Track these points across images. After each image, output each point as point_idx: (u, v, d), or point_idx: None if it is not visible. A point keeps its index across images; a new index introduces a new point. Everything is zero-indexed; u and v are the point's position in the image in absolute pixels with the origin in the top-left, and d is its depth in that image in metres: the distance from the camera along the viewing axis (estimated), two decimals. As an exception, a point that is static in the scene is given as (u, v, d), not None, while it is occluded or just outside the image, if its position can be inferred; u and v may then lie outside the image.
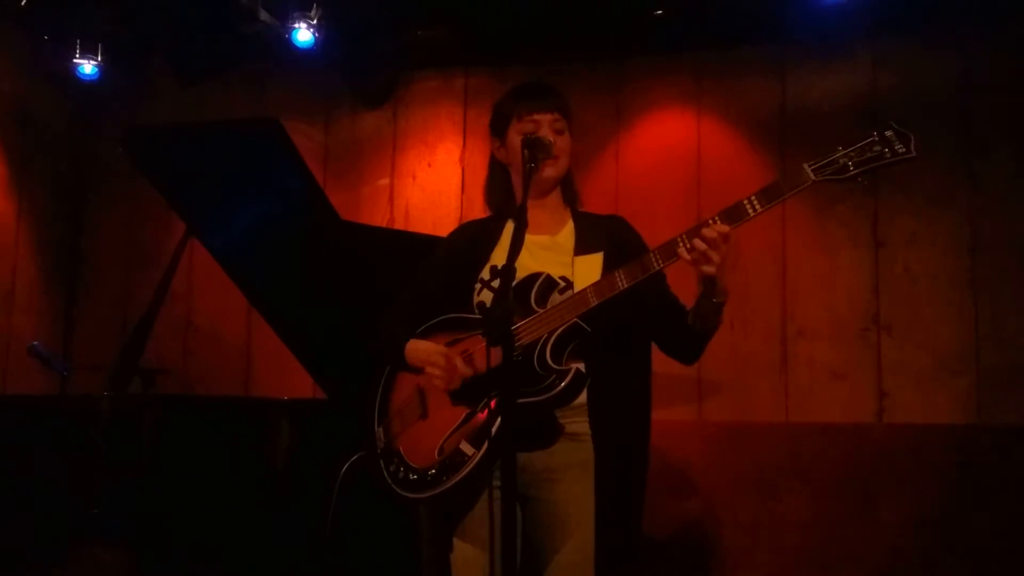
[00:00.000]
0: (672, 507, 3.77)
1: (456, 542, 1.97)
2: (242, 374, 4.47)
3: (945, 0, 3.67)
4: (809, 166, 1.79)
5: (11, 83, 4.36)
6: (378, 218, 4.41)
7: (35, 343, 3.66)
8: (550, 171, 2.02)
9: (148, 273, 4.32)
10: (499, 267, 1.97)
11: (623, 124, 4.18)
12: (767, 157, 3.96)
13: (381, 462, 2.00)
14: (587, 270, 1.95)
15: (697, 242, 1.79)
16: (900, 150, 1.76)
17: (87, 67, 4.32)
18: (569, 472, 1.93)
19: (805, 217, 3.88)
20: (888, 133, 1.77)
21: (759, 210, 1.79)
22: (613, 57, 4.19)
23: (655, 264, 1.83)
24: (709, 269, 1.80)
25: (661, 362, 2.09)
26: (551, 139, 1.99)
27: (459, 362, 1.92)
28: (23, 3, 4.00)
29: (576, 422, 1.95)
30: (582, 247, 2.02)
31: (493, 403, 1.87)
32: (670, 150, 4.10)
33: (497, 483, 1.74)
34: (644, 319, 2.02)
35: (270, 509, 2.67)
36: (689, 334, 1.97)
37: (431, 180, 4.41)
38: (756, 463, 3.74)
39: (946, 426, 3.60)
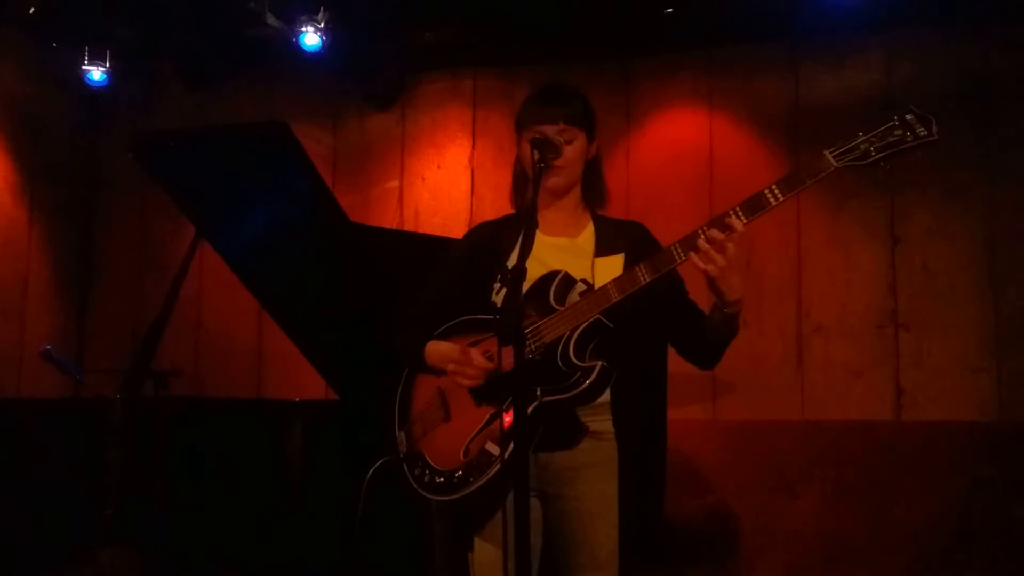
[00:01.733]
0: (688, 505, 3.74)
1: (477, 542, 1.96)
2: (254, 376, 4.47)
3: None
4: (830, 153, 1.75)
5: (21, 89, 4.39)
6: (387, 220, 4.41)
7: (48, 347, 3.66)
8: (555, 180, 1.98)
9: (159, 276, 4.34)
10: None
11: (634, 122, 4.15)
12: (780, 153, 3.93)
13: (405, 466, 1.99)
14: (608, 271, 1.93)
15: (714, 232, 1.76)
16: (922, 133, 1.71)
17: (96, 73, 4.34)
18: (593, 470, 1.93)
19: (820, 213, 3.84)
20: (909, 117, 1.73)
21: (780, 199, 1.75)
22: (623, 55, 4.17)
23: (677, 256, 1.80)
24: (711, 269, 1.77)
25: (675, 361, 2.09)
26: (559, 141, 1.97)
27: (481, 359, 1.89)
28: (32, 10, 4.02)
29: (599, 420, 1.94)
30: (602, 249, 2.00)
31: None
32: (681, 147, 4.08)
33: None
34: (663, 320, 2.01)
35: (283, 510, 2.66)
36: (706, 342, 1.96)
37: (440, 181, 4.40)
38: (772, 461, 3.72)
39: (965, 423, 3.55)
